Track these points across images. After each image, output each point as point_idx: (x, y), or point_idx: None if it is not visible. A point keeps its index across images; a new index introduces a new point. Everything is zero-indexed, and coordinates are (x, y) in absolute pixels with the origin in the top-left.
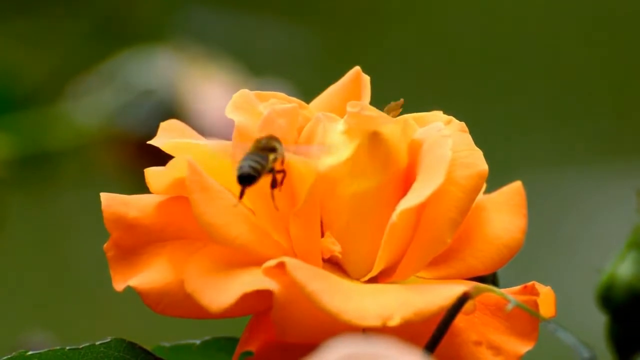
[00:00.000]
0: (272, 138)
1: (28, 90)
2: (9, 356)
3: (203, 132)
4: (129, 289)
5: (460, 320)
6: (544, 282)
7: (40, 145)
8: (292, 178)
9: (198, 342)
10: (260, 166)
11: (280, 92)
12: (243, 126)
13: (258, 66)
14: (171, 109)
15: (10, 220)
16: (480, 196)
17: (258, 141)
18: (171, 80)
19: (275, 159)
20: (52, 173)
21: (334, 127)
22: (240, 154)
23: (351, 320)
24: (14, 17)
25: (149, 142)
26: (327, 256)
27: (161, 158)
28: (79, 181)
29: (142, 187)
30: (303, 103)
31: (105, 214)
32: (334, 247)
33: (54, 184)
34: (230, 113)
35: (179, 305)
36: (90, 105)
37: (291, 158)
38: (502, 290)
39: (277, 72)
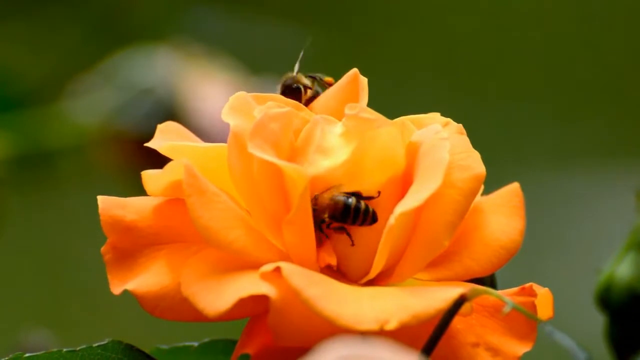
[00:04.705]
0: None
1: (27, 89)
2: (7, 358)
3: (202, 131)
4: (127, 291)
5: (458, 322)
6: (542, 283)
7: (40, 144)
8: (285, 183)
9: (196, 344)
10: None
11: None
12: (239, 129)
13: (257, 65)
14: (170, 108)
15: (9, 219)
16: (478, 198)
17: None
18: (170, 79)
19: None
20: (51, 172)
21: (331, 130)
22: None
23: (348, 325)
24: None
25: (146, 145)
26: (322, 265)
27: (160, 157)
28: (78, 180)
29: (141, 186)
30: (301, 105)
31: (102, 217)
32: (329, 259)
33: (53, 183)
34: (226, 116)
35: (175, 309)
36: (90, 104)
37: (282, 165)
38: (500, 292)
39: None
